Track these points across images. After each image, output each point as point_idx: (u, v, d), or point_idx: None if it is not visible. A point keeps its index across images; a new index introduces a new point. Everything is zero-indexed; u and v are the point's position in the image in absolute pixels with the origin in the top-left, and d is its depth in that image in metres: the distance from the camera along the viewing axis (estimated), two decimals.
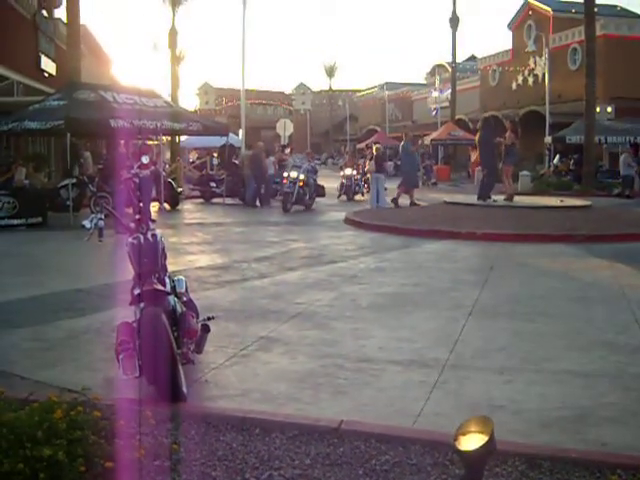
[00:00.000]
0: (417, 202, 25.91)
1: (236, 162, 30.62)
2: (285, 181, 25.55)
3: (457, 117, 59.32)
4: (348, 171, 30.89)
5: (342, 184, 31.28)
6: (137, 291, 5.98)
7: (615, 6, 59.51)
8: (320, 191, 28.20)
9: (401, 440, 5.06)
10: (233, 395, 6.10)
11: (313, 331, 8.28)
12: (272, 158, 30.92)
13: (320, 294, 10.43)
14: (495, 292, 10.78)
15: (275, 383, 6.43)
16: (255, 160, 27.96)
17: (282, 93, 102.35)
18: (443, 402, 5.98)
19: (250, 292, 10.61)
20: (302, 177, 25.23)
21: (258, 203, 27.24)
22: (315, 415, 5.60)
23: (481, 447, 3.53)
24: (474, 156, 44.23)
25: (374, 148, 28.04)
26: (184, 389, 5.76)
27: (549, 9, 57.00)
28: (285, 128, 40.05)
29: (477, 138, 25.14)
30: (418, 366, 6.96)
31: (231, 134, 31.23)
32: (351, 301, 10.03)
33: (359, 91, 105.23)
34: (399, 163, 36.59)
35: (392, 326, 8.58)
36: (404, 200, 25.72)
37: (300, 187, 25.03)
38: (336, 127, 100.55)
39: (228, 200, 27.85)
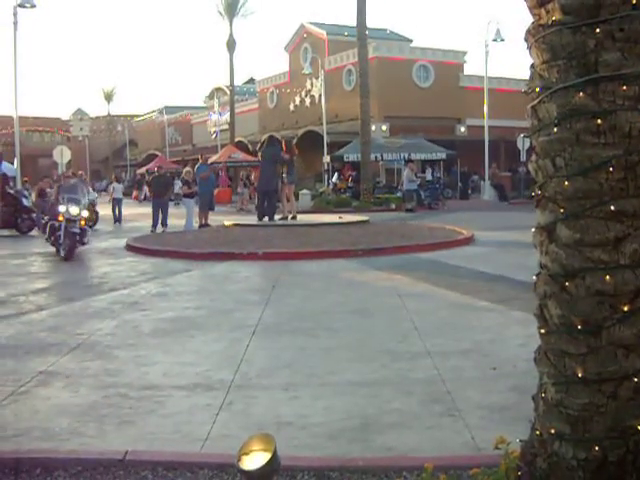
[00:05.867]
0: (209, 224, 25.78)
1: (11, 192, 29.37)
2: (61, 218, 18.14)
3: (237, 139, 59.83)
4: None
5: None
6: None
7: (385, 29, 62.12)
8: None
9: (189, 465, 5.01)
10: (11, 436, 5.79)
11: (95, 362, 8.04)
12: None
13: (101, 323, 10.15)
14: (278, 310, 10.91)
15: (57, 419, 6.17)
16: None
17: (59, 119, 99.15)
18: (230, 423, 5.96)
19: (28, 326, 10.15)
20: (85, 214, 19.04)
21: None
22: (100, 448, 5.43)
23: (264, 465, 3.53)
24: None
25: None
26: None
27: (324, 32, 58.73)
28: (62, 155, 38.89)
29: (260, 155, 25.35)
30: (203, 389, 6.91)
31: (5, 163, 30.09)
32: (133, 328, 9.84)
33: (138, 116, 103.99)
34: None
35: (176, 351, 8.49)
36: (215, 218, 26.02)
37: (81, 228, 18.50)
38: (116, 153, 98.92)
39: (4, 232, 26.64)
